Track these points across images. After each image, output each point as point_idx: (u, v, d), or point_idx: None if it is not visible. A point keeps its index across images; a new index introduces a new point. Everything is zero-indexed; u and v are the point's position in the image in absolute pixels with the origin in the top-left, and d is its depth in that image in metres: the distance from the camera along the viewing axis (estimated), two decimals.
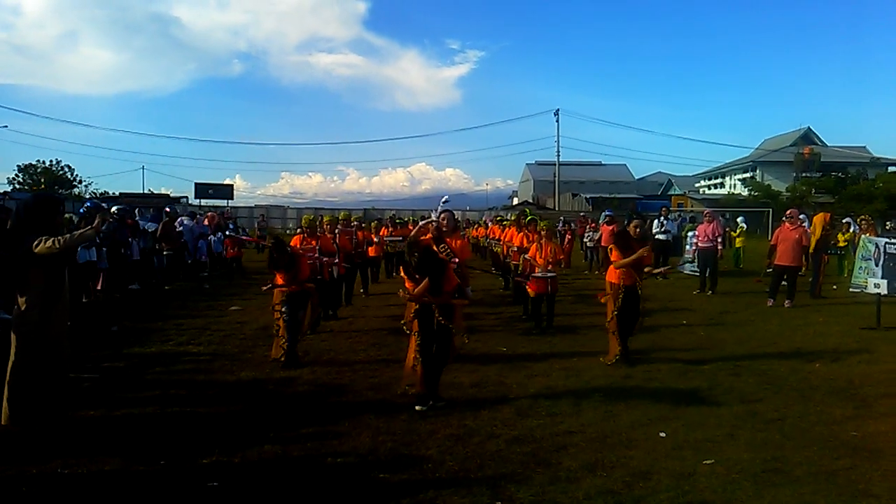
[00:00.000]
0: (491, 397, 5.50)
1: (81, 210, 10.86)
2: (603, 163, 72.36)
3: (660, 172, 73.75)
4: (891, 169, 51.98)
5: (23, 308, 4.48)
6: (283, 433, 4.61)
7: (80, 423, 4.76)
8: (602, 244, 15.53)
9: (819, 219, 13.18)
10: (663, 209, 17.17)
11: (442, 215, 6.65)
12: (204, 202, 43.23)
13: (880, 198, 38.55)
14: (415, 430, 4.68)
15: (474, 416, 4.97)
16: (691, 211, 32.97)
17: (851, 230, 14.75)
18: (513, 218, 12.66)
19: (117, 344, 7.59)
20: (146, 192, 51.18)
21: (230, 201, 45.81)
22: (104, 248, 10.58)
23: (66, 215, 9.70)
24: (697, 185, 69.05)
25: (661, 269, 8.08)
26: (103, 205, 12.81)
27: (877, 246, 11.61)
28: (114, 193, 42.19)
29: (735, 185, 63.34)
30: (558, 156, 52.36)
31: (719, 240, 13.06)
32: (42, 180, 46.25)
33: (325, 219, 10.22)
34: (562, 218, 18.97)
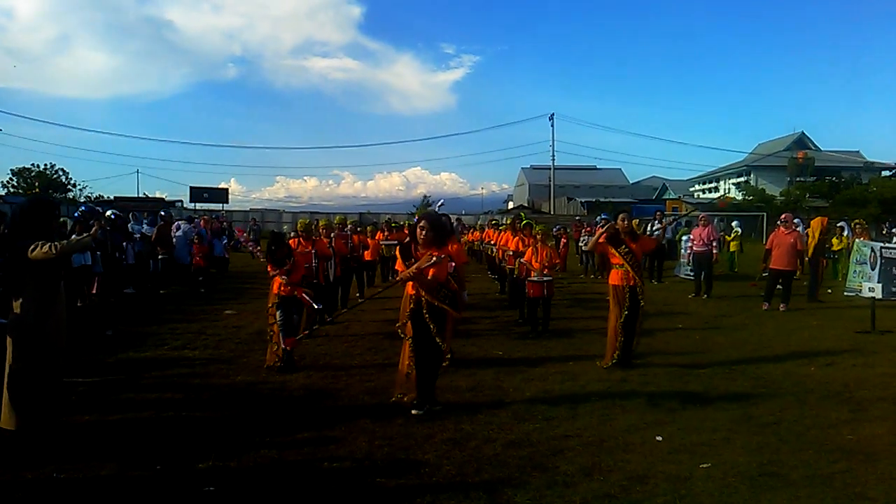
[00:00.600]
0: (487, 401, 5.49)
1: (76, 214, 10.81)
2: (598, 167, 72.57)
3: (654, 177, 74.05)
4: (884, 173, 52.38)
5: (18, 312, 4.46)
6: (279, 437, 4.59)
7: (75, 428, 4.73)
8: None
9: (816, 223, 13.24)
10: (658, 213, 17.21)
11: (422, 223, 5.30)
12: (199, 206, 43.15)
13: (874, 202, 38.79)
14: (411, 434, 4.67)
15: (471, 420, 4.96)
16: (686, 214, 33.06)
17: (845, 234, 14.82)
18: (508, 222, 12.66)
19: (112, 348, 7.56)
20: (141, 195, 51.09)
21: (225, 205, 45.78)
22: (98, 253, 10.53)
23: (61, 219, 9.66)
24: (692, 189, 69.34)
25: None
26: (98, 209, 12.76)
27: (872, 250, 11.66)
28: (108, 197, 42.05)
29: (729, 189, 63.64)
30: (553, 160, 52.55)
31: (714, 243, 13.11)
32: (36, 184, 46.05)
33: (320, 223, 10.21)
34: (557, 226, 19.02)
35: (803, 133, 64.02)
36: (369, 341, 8.15)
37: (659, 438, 4.58)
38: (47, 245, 4.39)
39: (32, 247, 4.37)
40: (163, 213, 14.85)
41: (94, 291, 10.97)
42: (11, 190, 44.88)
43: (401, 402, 5.35)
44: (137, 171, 62.32)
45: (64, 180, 49.38)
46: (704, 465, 4.08)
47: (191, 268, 13.61)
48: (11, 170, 49.02)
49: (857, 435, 4.67)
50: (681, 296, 12.86)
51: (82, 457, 4.14)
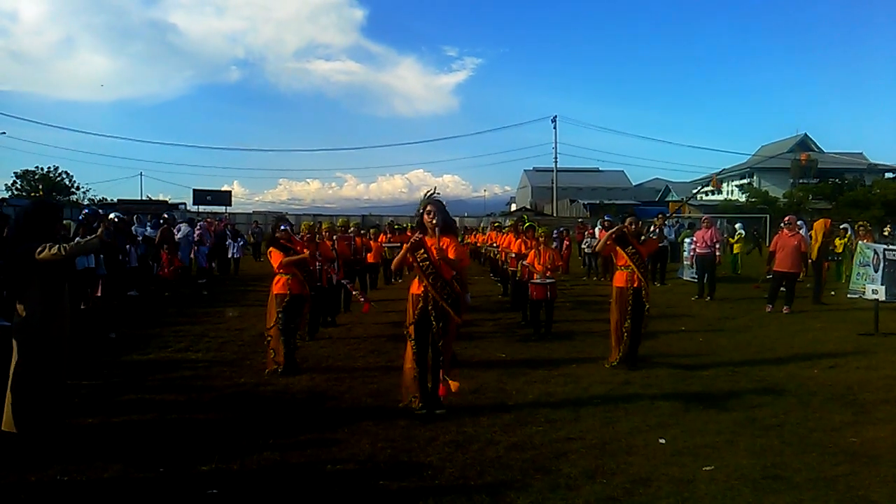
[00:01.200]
0: (490, 404, 5.49)
1: (80, 217, 10.85)
2: (600, 169, 72.45)
3: (657, 179, 73.88)
4: (888, 175, 52.25)
5: (22, 315, 4.47)
6: (282, 440, 4.59)
7: (79, 430, 4.74)
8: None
9: (819, 225, 13.22)
10: (660, 215, 17.17)
11: (428, 207, 5.03)
12: (202, 208, 43.21)
13: (877, 204, 38.71)
14: (414, 436, 4.67)
15: (474, 422, 4.96)
16: (689, 217, 33.01)
17: (848, 236, 14.79)
18: (510, 224, 12.67)
19: (116, 351, 7.58)
20: (144, 198, 51.18)
21: (228, 208, 45.82)
22: (101, 255, 10.57)
23: (65, 221, 9.69)
24: (695, 191, 69.21)
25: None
26: (101, 211, 12.81)
27: (875, 252, 11.63)
28: (112, 200, 42.13)
29: (732, 191, 63.49)
30: (556, 162, 52.58)
31: (717, 246, 13.10)
32: (40, 187, 46.15)
33: (323, 225, 10.23)
34: (559, 228, 19.02)
35: (806, 135, 63.90)
36: (372, 344, 8.15)
37: (662, 441, 4.58)
38: (56, 246, 4.41)
39: (40, 248, 4.39)
40: (165, 215, 14.90)
41: (97, 294, 11.02)
42: (15, 193, 45.04)
43: (410, 407, 5.23)
44: (141, 174, 62.52)
45: (67, 183, 49.53)
46: (708, 468, 4.07)
47: (159, 277, 13.37)
48: (15, 173, 49.27)
49: (860, 437, 4.65)
50: (684, 298, 12.84)
51: (86, 459, 4.15)
